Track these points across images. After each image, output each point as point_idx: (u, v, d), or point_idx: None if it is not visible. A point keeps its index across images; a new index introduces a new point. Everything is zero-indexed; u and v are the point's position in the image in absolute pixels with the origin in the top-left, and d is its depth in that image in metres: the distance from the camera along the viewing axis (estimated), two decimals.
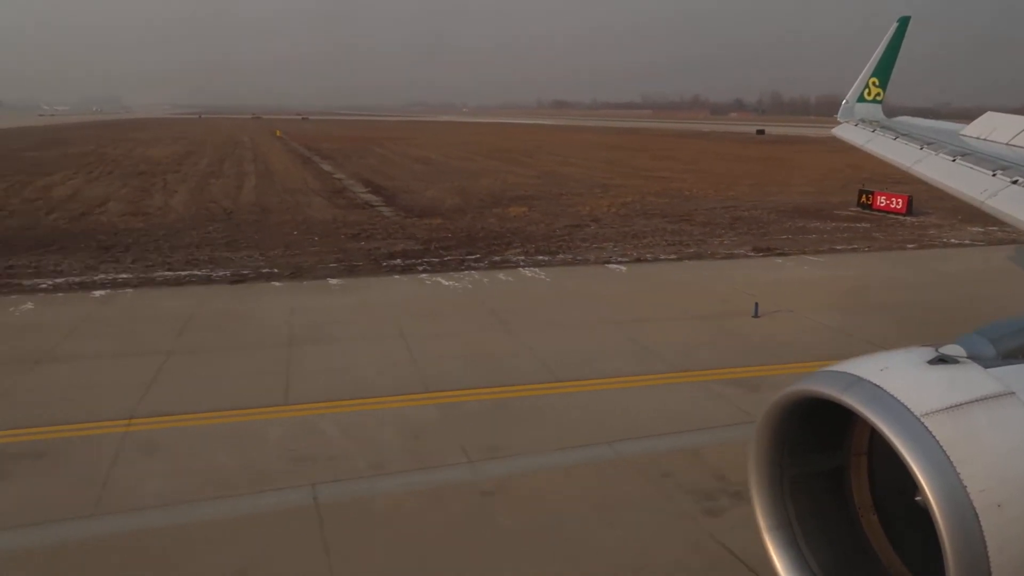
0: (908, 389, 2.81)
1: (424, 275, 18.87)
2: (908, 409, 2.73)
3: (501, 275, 18.93)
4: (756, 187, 41.11)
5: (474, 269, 19.53)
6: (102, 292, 16.71)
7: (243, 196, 34.85)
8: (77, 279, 17.87)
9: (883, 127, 12.56)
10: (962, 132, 10.60)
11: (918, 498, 2.67)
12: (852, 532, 3.43)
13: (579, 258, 21.16)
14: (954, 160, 8.92)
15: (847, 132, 13.52)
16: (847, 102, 14.28)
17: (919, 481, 2.62)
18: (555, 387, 11.32)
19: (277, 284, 17.82)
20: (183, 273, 18.58)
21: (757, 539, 3.32)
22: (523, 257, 21.06)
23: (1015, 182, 7.39)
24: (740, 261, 21.57)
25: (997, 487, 2.63)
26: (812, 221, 28.74)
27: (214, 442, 9.40)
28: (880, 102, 14.27)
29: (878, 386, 2.83)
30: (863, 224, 28.31)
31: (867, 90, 14.19)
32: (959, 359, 3.00)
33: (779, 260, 21.61)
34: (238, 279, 18.08)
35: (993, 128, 9.86)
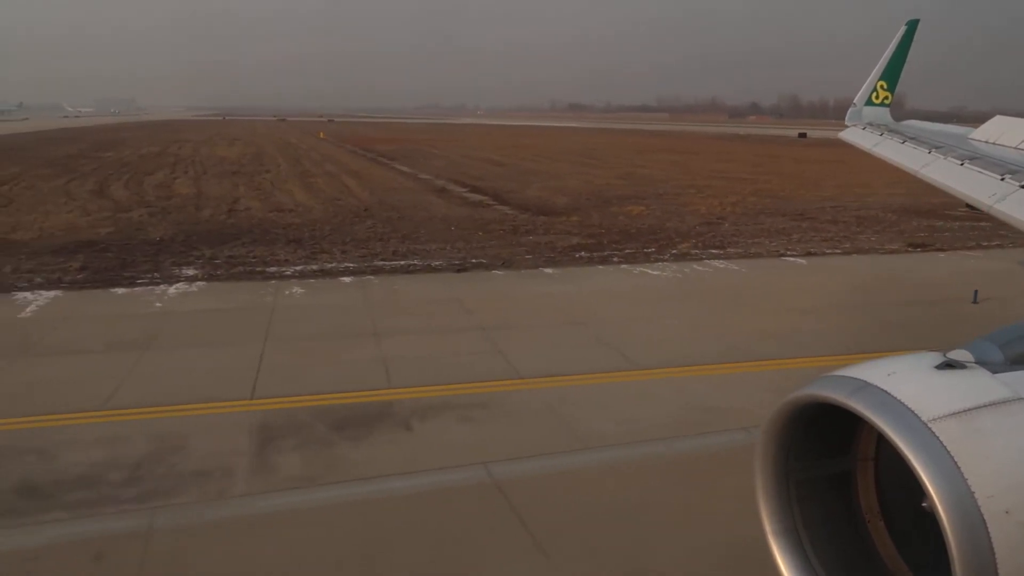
0: (915, 394, 2.82)
1: (624, 265, 20.19)
2: (915, 414, 2.74)
3: (696, 266, 20.24)
4: (843, 189, 42.24)
5: (662, 260, 20.85)
6: (355, 279, 18.09)
7: (359, 194, 36.08)
8: (314, 267, 19.23)
9: (891, 131, 12.55)
10: (971, 136, 10.58)
11: (925, 504, 2.66)
12: (858, 537, 3.43)
13: (751, 252, 22.42)
14: (962, 164, 8.89)
15: (854, 135, 13.57)
16: (855, 105, 14.44)
17: (926, 487, 2.62)
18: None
19: (498, 272, 19.17)
20: (400, 263, 19.92)
21: (762, 543, 3.36)
22: (698, 250, 22.36)
23: None
24: (908, 256, 22.85)
25: (1005, 493, 2.63)
26: (934, 220, 29.87)
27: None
28: (888, 105, 14.33)
29: (885, 391, 2.85)
30: (984, 223, 29.55)
31: (875, 93, 14.27)
32: (967, 364, 3.02)
33: (942, 255, 22.86)
34: (461, 268, 19.39)
35: (1002, 132, 9.77)
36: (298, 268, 19.02)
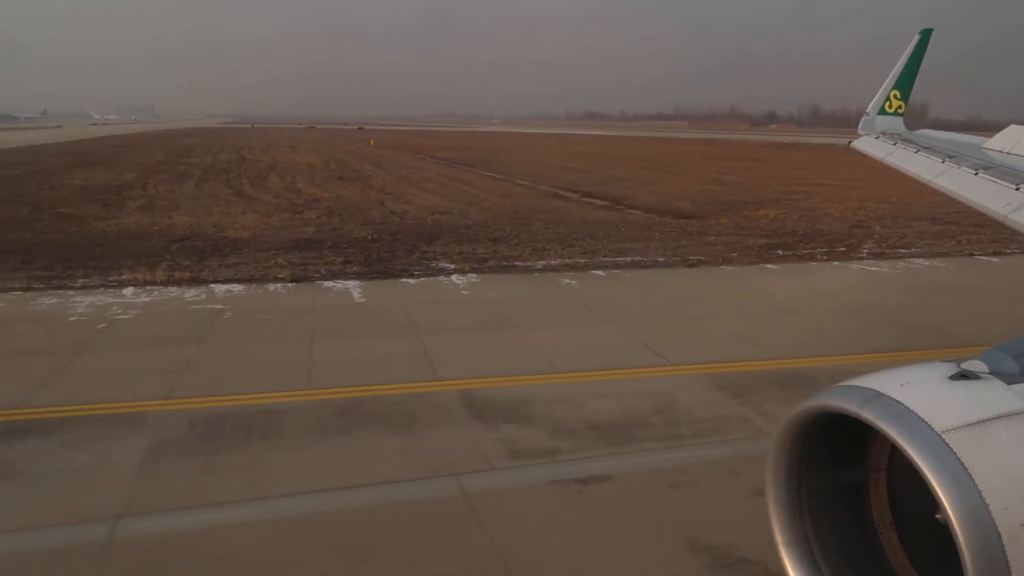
0: (929, 405, 2.81)
1: (835, 263, 21.68)
2: (929, 425, 2.73)
3: (901, 264, 21.64)
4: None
5: (864, 259, 22.26)
6: (609, 272, 19.56)
7: (488, 198, 37.35)
8: (556, 261, 20.70)
9: (904, 140, 12.61)
10: (985, 145, 10.55)
11: (939, 516, 2.65)
12: (870, 549, 3.40)
13: (937, 251, 23.79)
14: (976, 173, 8.86)
15: (867, 145, 13.57)
16: (868, 115, 14.39)
17: (940, 499, 2.61)
18: None
19: (728, 268, 20.64)
20: (626, 259, 21.33)
21: (774, 554, 3.33)
22: (887, 249, 23.73)
23: None
24: None
25: (1020, 506, 2.61)
26: None
27: None
28: (901, 115, 14.33)
29: (898, 401, 2.84)
30: None
31: (888, 103, 14.23)
32: (981, 375, 3.00)
33: None
34: (692, 264, 20.86)
35: (1017, 141, 9.77)
36: (544, 263, 20.51)
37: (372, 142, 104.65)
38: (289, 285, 17.52)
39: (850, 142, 14.51)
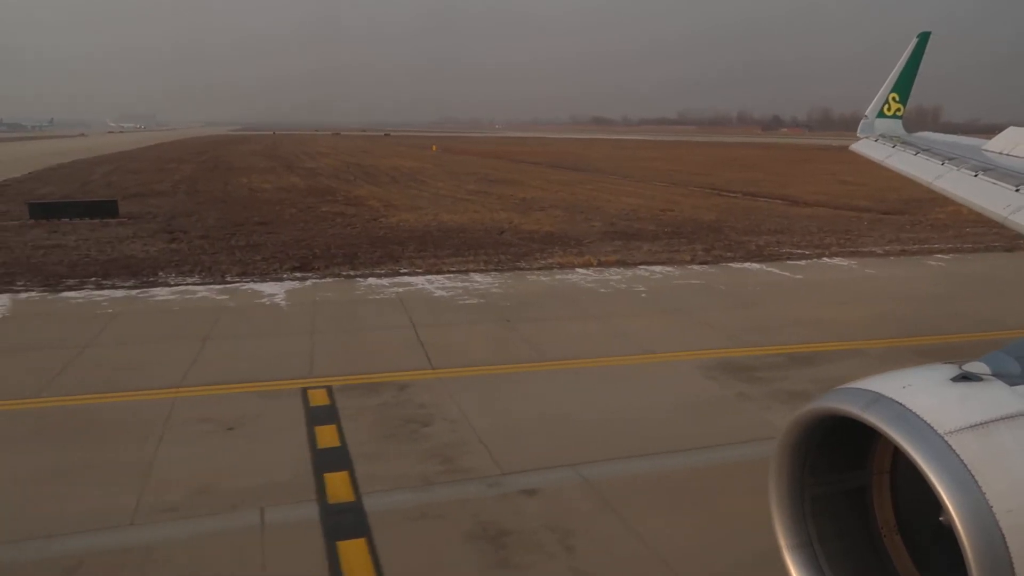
0: (931, 407, 2.81)
1: None
2: (931, 427, 2.73)
3: None
4: None
5: None
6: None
7: (684, 202, 37.14)
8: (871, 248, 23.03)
9: (903, 142, 12.60)
10: (985, 147, 10.54)
11: (943, 518, 2.65)
12: (875, 552, 3.40)
13: None
14: (976, 175, 8.90)
15: (867, 148, 13.52)
16: (867, 118, 14.26)
17: (944, 501, 2.61)
18: None
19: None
20: (926, 247, 23.82)
21: (777, 558, 3.34)
22: None
23: None
24: None
25: None
26: None
27: None
28: (900, 117, 14.26)
29: (900, 404, 2.84)
30: None
31: (887, 105, 14.13)
32: (983, 376, 2.99)
33: None
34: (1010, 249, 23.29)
35: (1016, 143, 9.77)
36: (869, 250, 22.94)
37: (434, 148, 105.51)
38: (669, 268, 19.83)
39: (850, 145, 14.50)
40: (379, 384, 10.66)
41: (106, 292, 16.48)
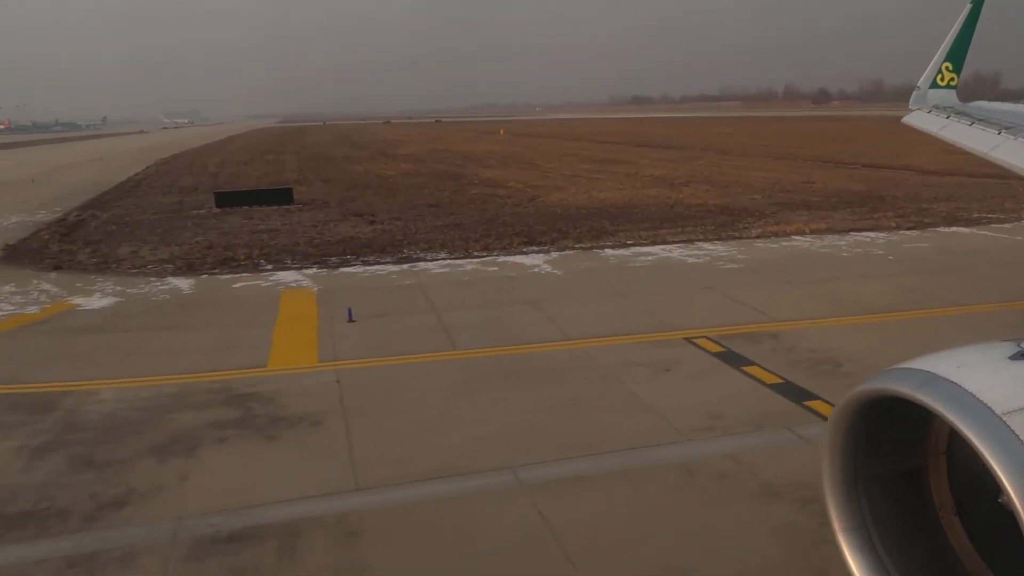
0: (988, 386, 2.73)
1: None
2: (988, 407, 2.66)
3: None
4: None
5: None
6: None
7: (814, 174, 37.96)
8: None
9: (958, 113, 12.24)
10: None
11: (1002, 499, 2.60)
12: (932, 535, 3.32)
13: None
14: None
15: (920, 120, 13.17)
16: (919, 89, 13.92)
17: (1002, 482, 2.55)
18: None
19: None
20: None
21: (832, 541, 3.29)
22: None
23: None
24: None
25: None
26: None
27: None
28: (955, 87, 13.86)
29: (956, 384, 2.76)
30: None
31: (940, 76, 13.75)
32: None
33: None
34: None
35: None
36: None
37: (502, 132, 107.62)
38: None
39: (902, 118, 14.13)
40: (751, 334, 11.81)
41: (384, 267, 17.89)
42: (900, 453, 3.31)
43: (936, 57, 13.94)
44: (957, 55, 13.85)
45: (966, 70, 14.22)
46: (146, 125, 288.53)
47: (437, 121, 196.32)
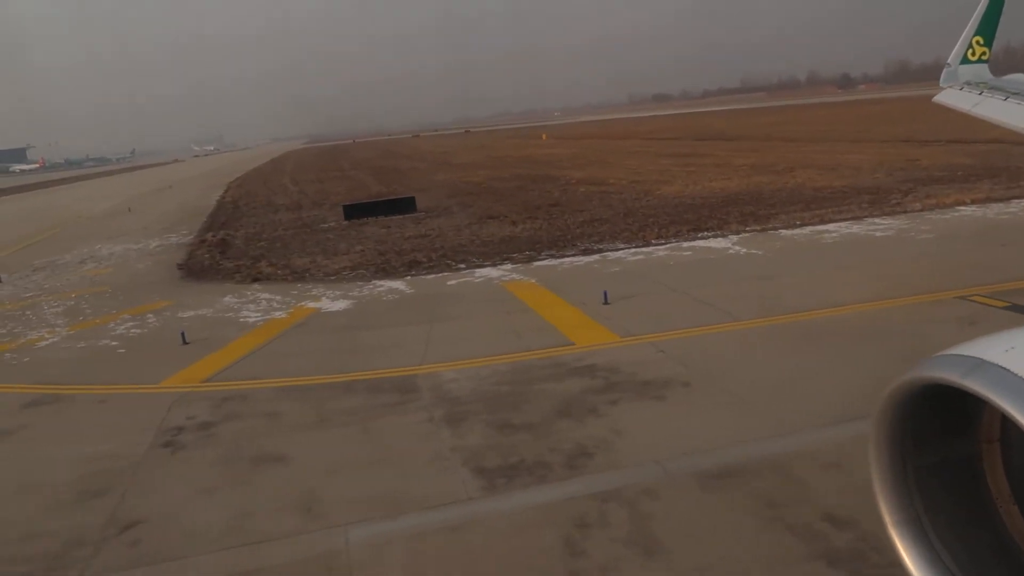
0: None
1: None
2: None
3: None
4: None
5: None
6: None
7: (922, 160, 39.26)
8: None
9: (992, 88, 11.80)
10: None
11: None
12: (990, 525, 3.24)
13: None
14: None
15: (951, 97, 12.70)
16: (949, 66, 13.40)
17: None
18: None
19: None
20: None
21: (883, 535, 3.24)
22: None
23: None
24: None
25: None
26: None
27: None
28: (986, 61, 13.33)
29: (1005, 368, 2.65)
30: None
31: (971, 50, 13.23)
32: None
33: None
34: None
35: None
36: None
37: (544, 136, 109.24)
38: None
39: (933, 97, 13.70)
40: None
41: (574, 259, 18.65)
42: (951, 442, 3.19)
43: (966, 31, 13.41)
44: (987, 27, 13.31)
45: (997, 42, 13.80)
46: (176, 154, 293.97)
47: (466, 132, 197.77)
